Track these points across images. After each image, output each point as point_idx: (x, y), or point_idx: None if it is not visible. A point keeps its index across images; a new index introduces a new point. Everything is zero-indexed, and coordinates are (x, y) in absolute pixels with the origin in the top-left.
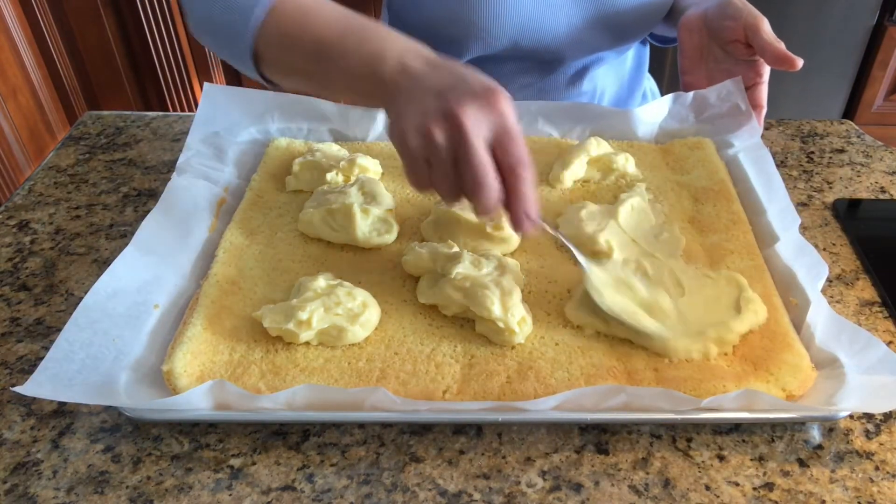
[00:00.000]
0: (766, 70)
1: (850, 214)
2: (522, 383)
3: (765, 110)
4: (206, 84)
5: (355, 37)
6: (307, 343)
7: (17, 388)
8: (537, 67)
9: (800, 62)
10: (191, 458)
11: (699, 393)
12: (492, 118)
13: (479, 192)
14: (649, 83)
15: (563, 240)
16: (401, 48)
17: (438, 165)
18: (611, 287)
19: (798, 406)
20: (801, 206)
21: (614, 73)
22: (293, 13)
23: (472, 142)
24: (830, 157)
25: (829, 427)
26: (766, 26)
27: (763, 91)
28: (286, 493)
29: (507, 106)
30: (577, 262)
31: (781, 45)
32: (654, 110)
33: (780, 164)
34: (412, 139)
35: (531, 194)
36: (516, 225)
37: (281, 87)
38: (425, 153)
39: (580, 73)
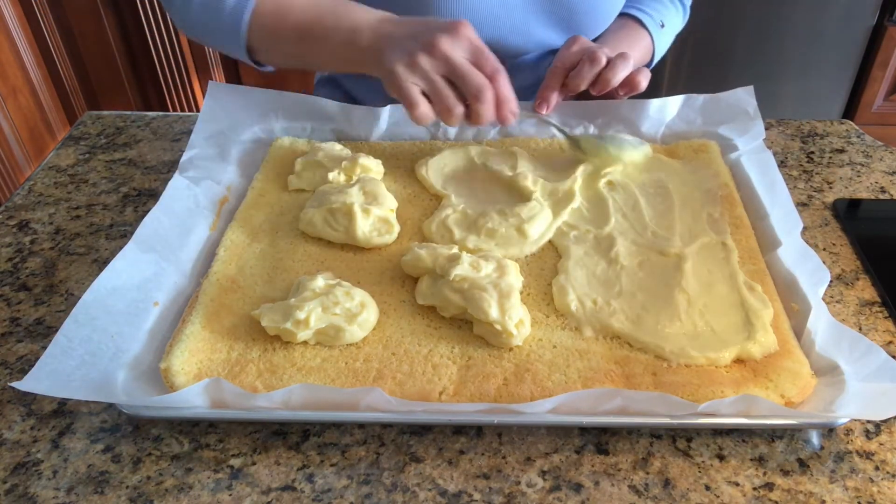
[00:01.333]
0: (593, 55)
1: (850, 214)
2: (519, 386)
3: (639, 82)
4: (210, 82)
5: (330, 18)
6: (305, 342)
7: (15, 384)
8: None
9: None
10: (191, 458)
11: (697, 398)
12: (462, 43)
13: (481, 95)
14: None
15: (546, 119)
16: (372, 19)
17: (434, 89)
18: None
19: (796, 412)
20: (801, 206)
21: None
22: (271, 8)
23: (457, 59)
24: (830, 157)
25: (830, 427)
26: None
27: (614, 70)
28: (286, 493)
29: (472, 31)
30: (567, 138)
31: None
32: (662, 109)
33: (780, 164)
34: (405, 77)
35: (511, 94)
36: (503, 120)
37: (275, 68)
38: (419, 84)
39: (538, 68)
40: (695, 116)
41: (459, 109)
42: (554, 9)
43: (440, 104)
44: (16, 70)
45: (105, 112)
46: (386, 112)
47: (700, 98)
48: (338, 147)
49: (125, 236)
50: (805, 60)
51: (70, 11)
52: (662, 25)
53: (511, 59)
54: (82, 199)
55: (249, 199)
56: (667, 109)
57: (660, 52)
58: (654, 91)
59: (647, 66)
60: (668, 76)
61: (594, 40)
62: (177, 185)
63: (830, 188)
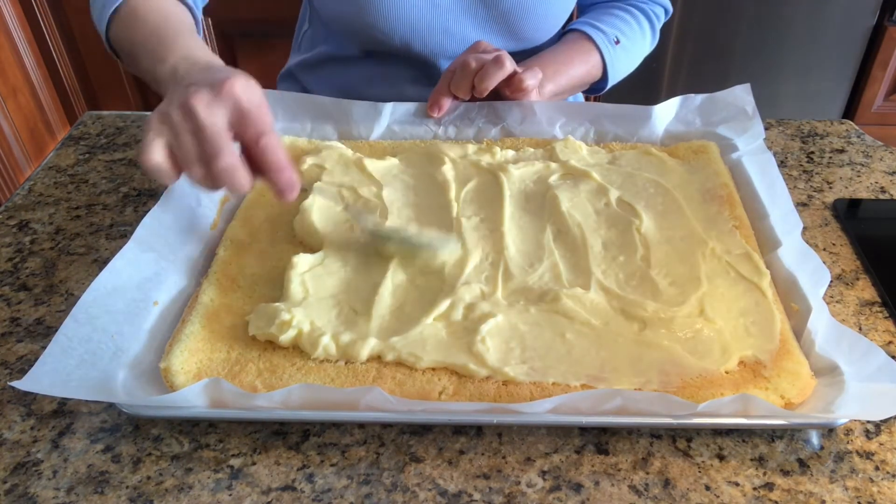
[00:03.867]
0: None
1: (850, 214)
2: (519, 386)
3: (520, 80)
4: None
5: (154, 42)
6: None
7: (15, 383)
8: (434, 71)
9: None
10: (191, 458)
11: (697, 399)
12: (224, 101)
13: (212, 160)
14: None
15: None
16: (180, 54)
17: (177, 143)
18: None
19: (796, 413)
20: (801, 206)
21: None
22: (125, 16)
23: (203, 118)
24: (830, 157)
25: (829, 427)
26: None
27: (483, 76)
28: (286, 493)
29: (240, 89)
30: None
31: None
32: (660, 111)
33: (780, 164)
34: (153, 125)
35: (282, 160)
36: (281, 194)
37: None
38: (166, 136)
39: None
40: (693, 117)
41: (199, 169)
42: (488, 14)
43: (182, 160)
44: (16, 70)
45: (105, 112)
46: (388, 109)
47: (698, 98)
48: (339, 146)
49: (125, 236)
50: (805, 60)
51: (70, 11)
52: (618, 42)
53: (448, 62)
54: (82, 199)
55: (250, 199)
56: (664, 111)
57: (618, 70)
58: (654, 92)
59: (601, 83)
60: (668, 77)
61: (537, 50)
62: (177, 185)
63: (830, 188)
